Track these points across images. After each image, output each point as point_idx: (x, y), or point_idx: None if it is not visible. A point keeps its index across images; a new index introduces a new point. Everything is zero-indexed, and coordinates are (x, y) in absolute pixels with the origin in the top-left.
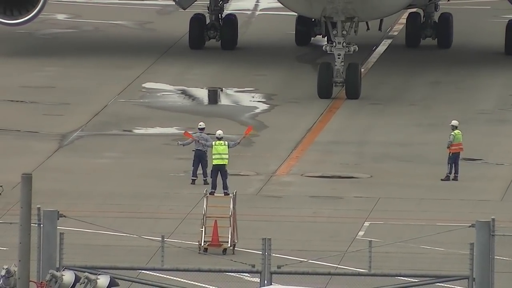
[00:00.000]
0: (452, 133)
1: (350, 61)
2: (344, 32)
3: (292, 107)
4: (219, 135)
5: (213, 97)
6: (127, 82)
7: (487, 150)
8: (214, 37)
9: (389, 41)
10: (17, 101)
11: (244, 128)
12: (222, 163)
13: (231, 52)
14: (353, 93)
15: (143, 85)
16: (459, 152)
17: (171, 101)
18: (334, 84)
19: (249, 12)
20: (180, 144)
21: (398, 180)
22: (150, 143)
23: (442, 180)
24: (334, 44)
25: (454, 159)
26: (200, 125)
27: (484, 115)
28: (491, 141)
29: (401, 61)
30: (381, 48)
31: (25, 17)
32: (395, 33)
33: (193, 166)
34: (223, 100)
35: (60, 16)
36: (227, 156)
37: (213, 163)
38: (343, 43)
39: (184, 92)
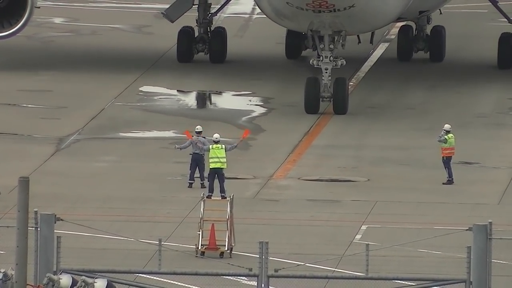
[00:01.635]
0: (444, 135)
1: (338, 75)
2: (332, 46)
3: (289, 110)
4: (216, 138)
5: (209, 100)
6: (124, 86)
7: (485, 154)
8: (203, 50)
9: (386, 44)
10: (14, 104)
11: (241, 131)
12: (219, 167)
13: (232, 57)
14: (340, 108)
15: (140, 88)
16: (451, 156)
17: (168, 104)
18: (321, 99)
19: (246, 16)
20: (177, 148)
21: (396, 184)
22: (148, 147)
23: (444, 184)
24: (321, 58)
25: (447, 162)
26: (197, 129)
27: (481, 119)
28: (489, 144)
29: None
30: (378, 52)
31: (11, 29)
32: (392, 37)
33: (190, 169)
34: (220, 104)
35: (57, 20)
36: (224, 160)
37: (210, 167)
38: (330, 57)
39: (181, 96)
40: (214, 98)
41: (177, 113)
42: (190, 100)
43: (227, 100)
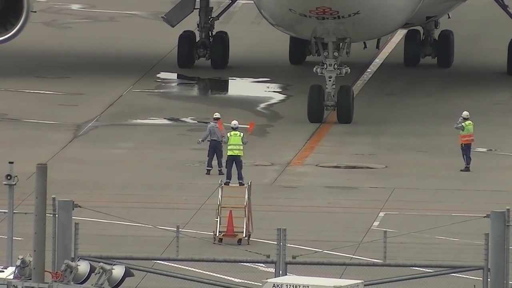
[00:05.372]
0: (462, 122)
1: (342, 82)
2: (336, 54)
3: (307, 97)
4: (234, 125)
5: (228, 87)
6: (142, 72)
7: (502, 141)
8: (204, 55)
9: (405, 31)
10: (32, 91)
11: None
12: (237, 154)
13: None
14: (345, 117)
15: (158, 75)
16: (471, 143)
17: (186, 91)
18: (325, 108)
19: None
20: (201, 141)
21: (413, 171)
22: (165, 134)
23: (461, 170)
24: (325, 66)
25: (466, 150)
26: (215, 115)
27: (499, 105)
28: (506, 131)
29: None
30: (396, 38)
31: (5, 35)
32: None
33: (208, 156)
34: (238, 90)
35: (75, 6)
36: (242, 147)
37: (228, 154)
38: (334, 65)
39: (198, 83)
40: (231, 85)
41: (195, 100)
42: (208, 86)
43: (245, 87)
